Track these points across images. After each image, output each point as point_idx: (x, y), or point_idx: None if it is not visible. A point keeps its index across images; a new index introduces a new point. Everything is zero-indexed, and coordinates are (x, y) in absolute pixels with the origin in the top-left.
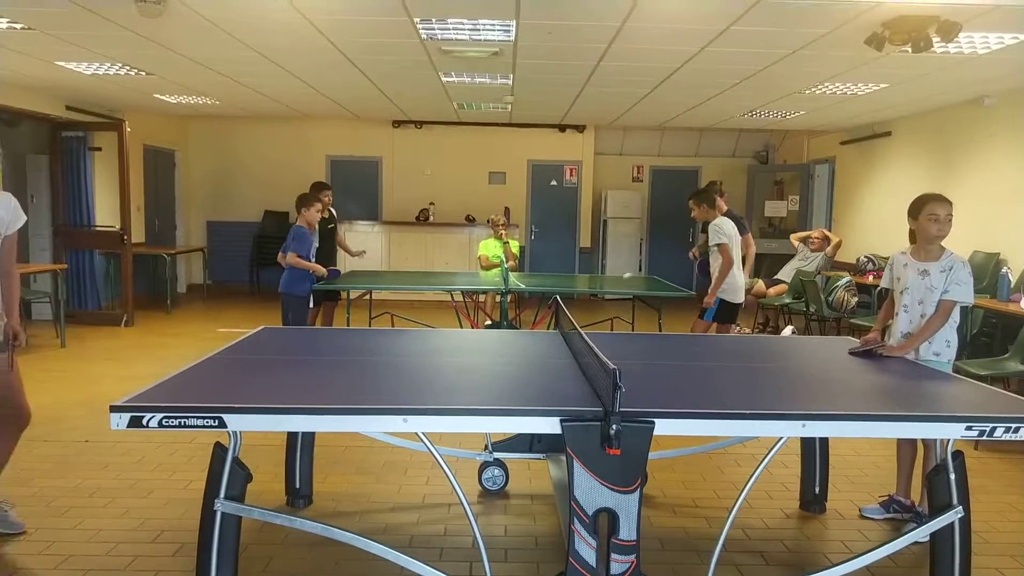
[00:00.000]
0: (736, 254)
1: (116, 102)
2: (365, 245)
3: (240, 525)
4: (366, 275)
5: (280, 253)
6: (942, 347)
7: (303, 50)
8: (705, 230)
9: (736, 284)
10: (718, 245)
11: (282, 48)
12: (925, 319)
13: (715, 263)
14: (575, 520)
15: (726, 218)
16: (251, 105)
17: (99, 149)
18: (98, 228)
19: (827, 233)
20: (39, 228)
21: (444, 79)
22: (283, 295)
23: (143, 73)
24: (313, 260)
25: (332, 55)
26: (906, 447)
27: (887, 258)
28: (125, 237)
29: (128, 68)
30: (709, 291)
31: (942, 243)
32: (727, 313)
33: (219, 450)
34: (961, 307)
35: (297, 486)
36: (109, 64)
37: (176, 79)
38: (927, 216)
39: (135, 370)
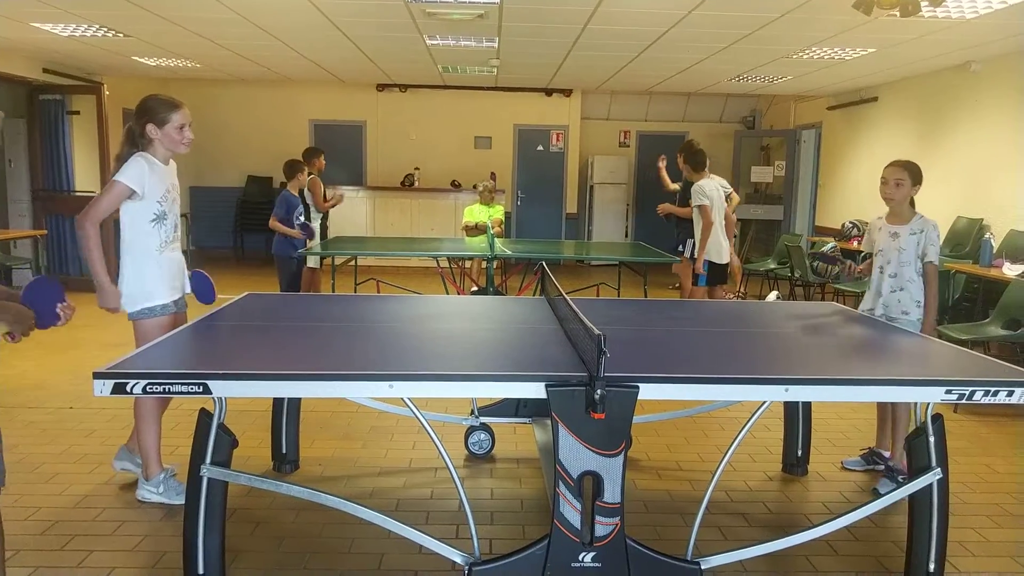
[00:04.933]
0: (719, 216)
1: (94, 65)
2: (350, 210)
3: (227, 491)
4: (351, 241)
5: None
6: (912, 307)
7: (283, 11)
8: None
9: (720, 245)
10: (699, 207)
11: (261, 9)
12: (895, 279)
13: (697, 225)
14: (560, 483)
15: (711, 180)
16: (232, 68)
17: (77, 113)
18: (78, 193)
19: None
20: (18, 194)
21: (429, 42)
22: (275, 257)
23: (120, 35)
24: (298, 223)
25: (314, 17)
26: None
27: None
28: None
29: (105, 30)
30: (697, 255)
31: (915, 207)
32: (717, 274)
33: (204, 416)
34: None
35: (284, 451)
36: (86, 25)
37: (154, 41)
38: (881, 179)
39: (118, 336)
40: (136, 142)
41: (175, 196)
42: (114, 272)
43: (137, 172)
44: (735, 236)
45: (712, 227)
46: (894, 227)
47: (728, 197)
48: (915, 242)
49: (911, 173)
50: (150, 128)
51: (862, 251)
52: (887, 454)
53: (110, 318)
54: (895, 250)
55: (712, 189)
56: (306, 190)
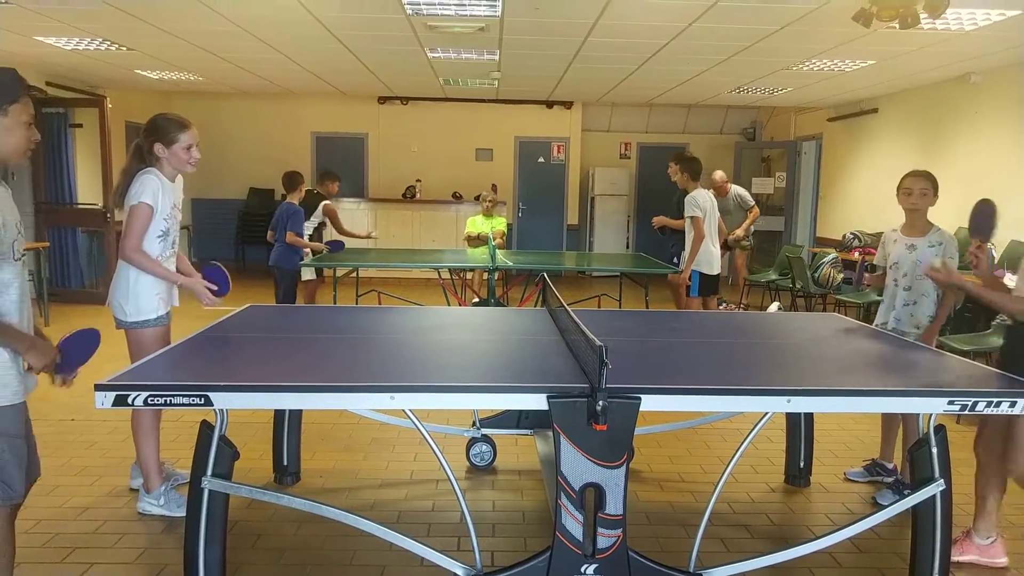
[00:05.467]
0: (712, 227)
1: (97, 78)
2: (351, 222)
3: (228, 503)
4: (353, 253)
5: (270, 231)
6: (925, 321)
7: (285, 24)
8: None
9: (711, 256)
10: (691, 218)
11: (264, 22)
12: (909, 292)
13: (688, 235)
14: (562, 495)
15: (703, 190)
16: (235, 81)
17: (80, 126)
18: (80, 206)
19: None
20: (20, 206)
21: (430, 55)
22: (273, 268)
23: (123, 48)
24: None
25: (315, 30)
26: (889, 413)
27: (873, 235)
28: (108, 215)
29: (108, 43)
30: (683, 267)
31: (929, 218)
32: (707, 285)
33: (206, 428)
34: None
35: (285, 463)
36: (89, 39)
37: (157, 54)
38: (901, 190)
39: (120, 348)
40: (144, 159)
41: (177, 213)
42: (109, 276)
43: (152, 189)
44: (751, 249)
45: (704, 239)
46: (911, 239)
47: (749, 211)
48: (933, 254)
49: (933, 183)
50: (158, 147)
51: (869, 263)
52: (891, 466)
53: (112, 331)
54: (911, 263)
55: (705, 200)
56: (320, 213)
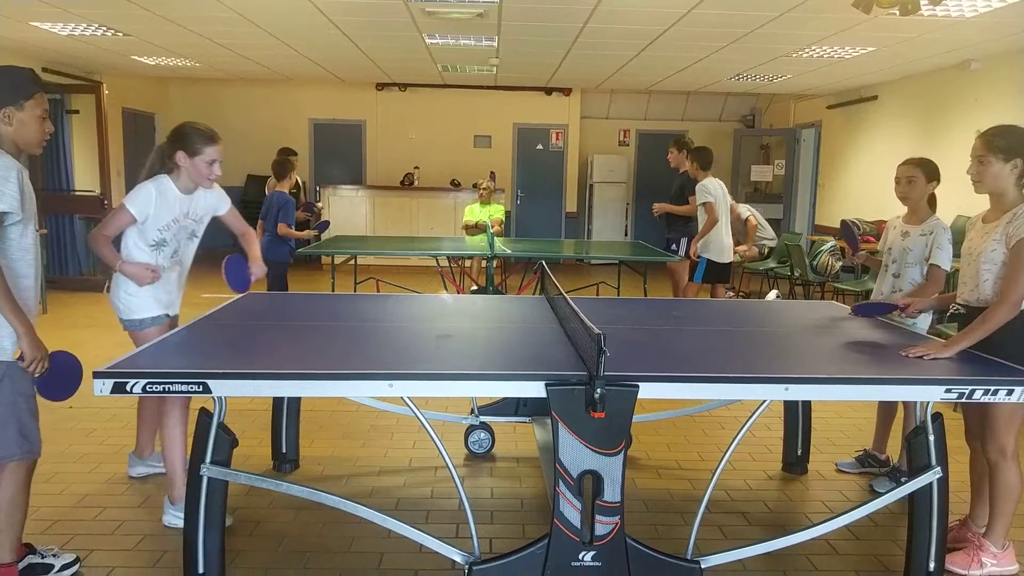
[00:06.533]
0: (724, 215)
1: (93, 64)
2: (349, 210)
3: (227, 490)
4: (351, 240)
5: (260, 221)
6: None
7: (282, 10)
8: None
9: (722, 244)
10: (704, 204)
11: (261, 8)
12: (897, 279)
13: (701, 220)
14: (560, 482)
15: (714, 179)
16: (232, 67)
17: (77, 112)
18: (77, 192)
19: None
20: None
21: (428, 41)
22: (264, 261)
23: (120, 34)
24: (316, 226)
25: (313, 16)
26: (886, 404)
27: (872, 222)
28: (105, 202)
29: (105, 29)
30: (693, 243)
31: (935, 208)
32: (717, 273)
33: (204, 416)
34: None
35: (284, 451)
36: (85, 25)
37: (154, 40)
38: (894, 179)
39: (118, 336)
40: (164, 163)
41: (185, 224)
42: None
43: (143, 200)
44: (763, 252)
45: (716, 224)
46: (907, 226)
47: (745, 221)
48: (923, 243)
49: (925, 170)
50: (180, 155)
51: (876, 249)
52: (883, 457)
53: (110, 318)
54: (901, 249)
55: (716, 188)
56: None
